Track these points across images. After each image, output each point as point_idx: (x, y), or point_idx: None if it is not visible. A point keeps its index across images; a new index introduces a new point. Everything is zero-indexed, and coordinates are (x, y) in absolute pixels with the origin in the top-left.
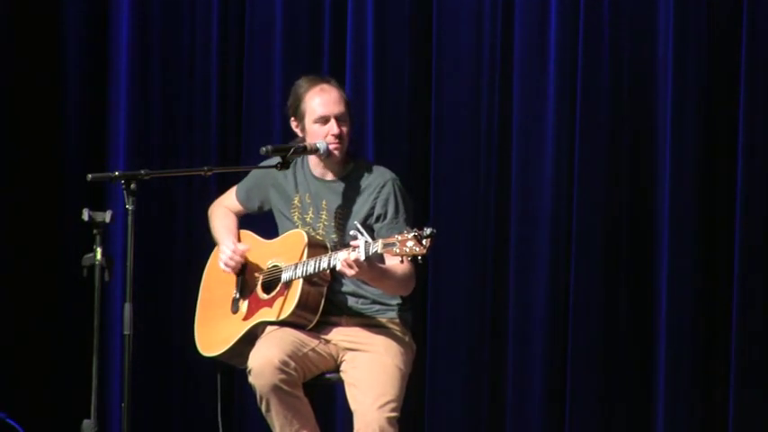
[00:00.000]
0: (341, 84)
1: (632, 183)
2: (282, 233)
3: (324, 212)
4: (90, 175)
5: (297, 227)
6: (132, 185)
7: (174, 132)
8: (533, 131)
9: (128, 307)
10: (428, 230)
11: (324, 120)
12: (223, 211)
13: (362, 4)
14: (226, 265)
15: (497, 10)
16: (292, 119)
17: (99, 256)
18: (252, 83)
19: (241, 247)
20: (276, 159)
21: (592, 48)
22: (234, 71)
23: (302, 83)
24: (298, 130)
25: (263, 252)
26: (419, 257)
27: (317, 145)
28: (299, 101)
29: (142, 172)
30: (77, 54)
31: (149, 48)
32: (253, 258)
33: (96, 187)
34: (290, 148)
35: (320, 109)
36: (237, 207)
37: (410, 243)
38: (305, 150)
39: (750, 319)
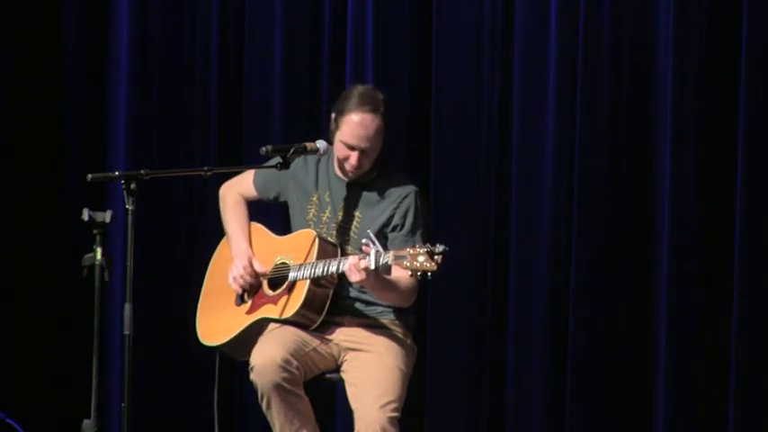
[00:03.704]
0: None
1: (633, 182)
2: (295, 228)
3: (341, 213)
4: (90, 175)
5: (311, 224)
6: (132, 185)
7: (174, 132)
8: (534, 131)
9: (128, 307)
10: (441, 247)
11: (350, 147)
12: (236, 199)
13: (362, 4)
14: (234, 281)
15: (497, 10)
16: (333, 117)
17: (99, 256)
18: (252, 83)
19: (256, 266)
20: (276, 159)
21: (592, 48)
22: (234, 71)
23: (354, 98)
24: (331, 130)
25: (272, 247)
26: (429, 274)
27: (317, 145)
28: (342, 112)
29: (142, 172)
30: (77, 54)
31: (149, 48)
32: (261, 253)
33: (96, 187)
34: (290, 148)
35: (350, 137)
36: (252, 194)
37: (421, 258)
38: (305, 150)
39: (750, 320)
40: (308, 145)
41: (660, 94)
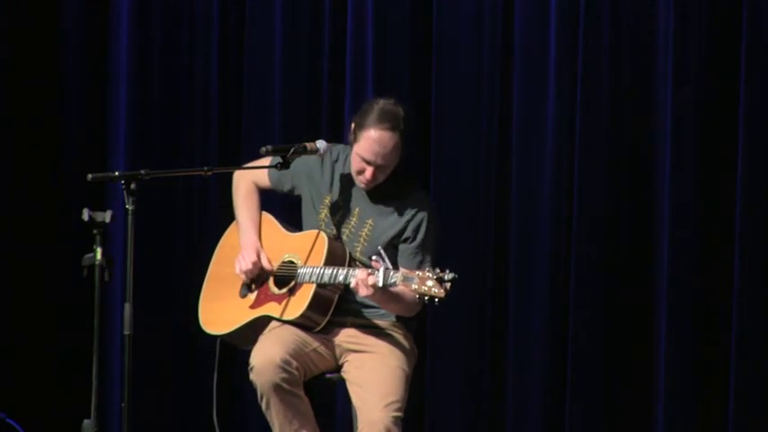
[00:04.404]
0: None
1: (633, 182)
2: (306, 226)
3: (354, 219)
4: (90, 175)
5: (322, 224)
6: (132, 185)
7: (174, 132)
8: (533, 131)
9: (128, 307)
10: (450, 275)
11: (365, 161)
12: (249, 187)
13: (362, 4)
14: (241, 273)
15: (497, 9)
16: (353, 128)
17: (99, 256)
18: (252, 83)
19: (264, 261)
20: (276, 159)
21: (592, 48)
22: (234, 71)
23: (374, 114)
24: (350, 140)
25: (281, 243)
26: (436, 299)
27: (317, 145)
28: (361, 126)
29: (142, 172)
30: (77, 54)
31: (149, 48)
32: (270, 247)
33: (96, 187)
34: (290, 148)
35: (366, 152)
36: (266, 184)
37: (430, 283)
38: (305, 150)
39: (750, 320)
40: (308, 145)
41: (660, 94)
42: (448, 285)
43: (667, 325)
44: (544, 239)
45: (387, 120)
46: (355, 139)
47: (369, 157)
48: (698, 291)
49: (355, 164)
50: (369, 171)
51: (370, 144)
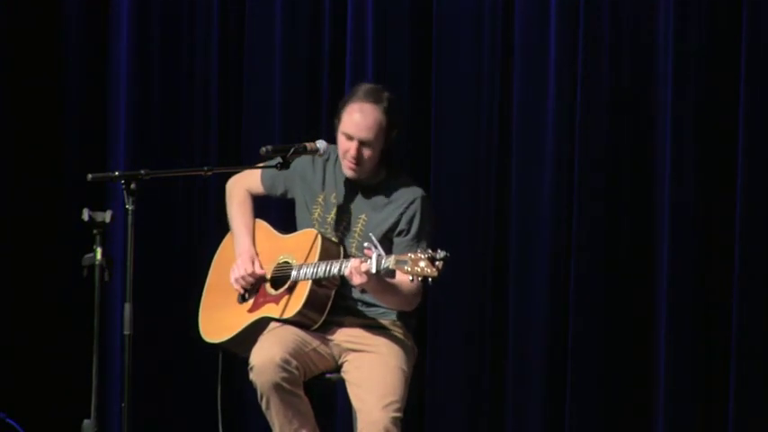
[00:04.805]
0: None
1: (633, 182)
2: (300, 226)
3: (347, 215)
4: (90, 175)
5: (316, 224)
6: (132, 185)
7: (174, 132)
8: (533, 131)
9: (128, 307)
10: (442, 253)
11: (348, 137)
12: (242, 195)
13: (362, 4)
14: (236, 281)
15: (497, 9)
16: (338, 114)
17: (99, 256)
18: (252, 82)
19: (257, 269)
20: (276, 159)
21: (592, 48)
22: (234, 71)
23: (357, 92)
24: (335, 127)
25: (276, 246)
26: (430, 279)
27: (317, 145)
28: (342, 106)
29: (142, 172)
30: (77, 54)
31: (149, 48)
32: (264, 251)
33: (96, 187)
34: (290, 148)
35: (348, 126)
36: (259, 189)
37: (422, 263)
38: (305, 150)
39: (750, 320)
40: (308, 145)
41: (660, 94)
42: (440, 264)
43: (667, 325)
44: (544, 239)
45: (369, 95)
46: (339, 121)
47: (351, 130)
48: (698, 291)
49: (341, 145)
50: (353, 148)
51: (351, 117)
